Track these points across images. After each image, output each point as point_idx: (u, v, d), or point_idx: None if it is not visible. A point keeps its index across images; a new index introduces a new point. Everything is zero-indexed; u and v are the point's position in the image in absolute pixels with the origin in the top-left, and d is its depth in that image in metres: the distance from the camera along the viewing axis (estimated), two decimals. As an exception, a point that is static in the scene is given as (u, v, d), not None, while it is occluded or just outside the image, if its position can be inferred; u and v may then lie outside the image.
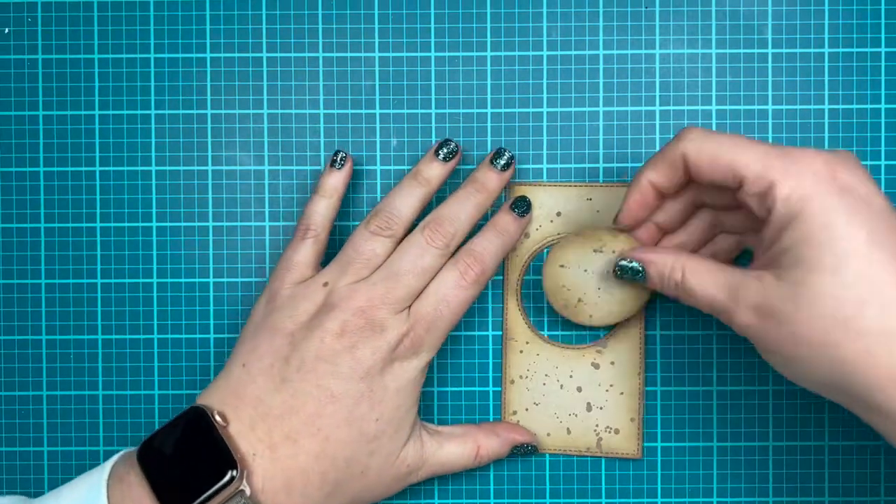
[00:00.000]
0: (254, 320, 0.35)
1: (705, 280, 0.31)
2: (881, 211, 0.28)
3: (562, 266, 0.37)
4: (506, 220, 0.37)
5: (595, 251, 0.37)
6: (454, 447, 0.36)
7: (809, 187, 0.27)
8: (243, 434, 0.32)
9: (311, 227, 0.36)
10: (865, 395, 0.26)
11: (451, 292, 0.34)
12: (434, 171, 0.36)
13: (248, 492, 0.31)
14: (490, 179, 0.36)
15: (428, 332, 0.34)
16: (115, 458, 0.33)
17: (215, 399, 0.33)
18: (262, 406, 0.32)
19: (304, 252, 0.36)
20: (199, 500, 0.30)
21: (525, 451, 0.38)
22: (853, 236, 0.26)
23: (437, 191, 0.37)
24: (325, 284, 0.34)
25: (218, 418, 0.32)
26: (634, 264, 0.34)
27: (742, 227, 0.35)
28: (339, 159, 0.37)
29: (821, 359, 0.27)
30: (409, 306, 0.34)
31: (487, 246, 0.35)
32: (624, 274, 0.34)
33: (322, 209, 0.36)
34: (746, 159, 0.29)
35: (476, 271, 0.34)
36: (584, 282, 0.37)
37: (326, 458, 0.32)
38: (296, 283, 0.35)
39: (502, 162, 0.37)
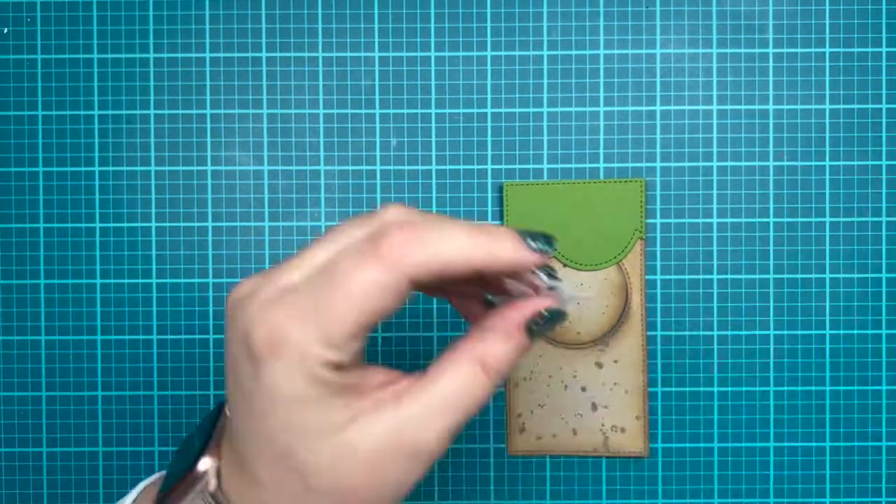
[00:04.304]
0: None
1: None
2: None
3: None
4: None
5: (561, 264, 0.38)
6: (447, 383, 0.23)
7: None
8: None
9: None
10: None
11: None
12: None
13: (211, 484, 0.28)
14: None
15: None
16: (139, 488, 0.32)
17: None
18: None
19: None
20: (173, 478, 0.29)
21: (552, 319, 0.25)
22: None
23: None
24: None
25: (227, 410, 0.31)
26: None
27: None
28: None
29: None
30: None
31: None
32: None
33: None
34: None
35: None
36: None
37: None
38: None
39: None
